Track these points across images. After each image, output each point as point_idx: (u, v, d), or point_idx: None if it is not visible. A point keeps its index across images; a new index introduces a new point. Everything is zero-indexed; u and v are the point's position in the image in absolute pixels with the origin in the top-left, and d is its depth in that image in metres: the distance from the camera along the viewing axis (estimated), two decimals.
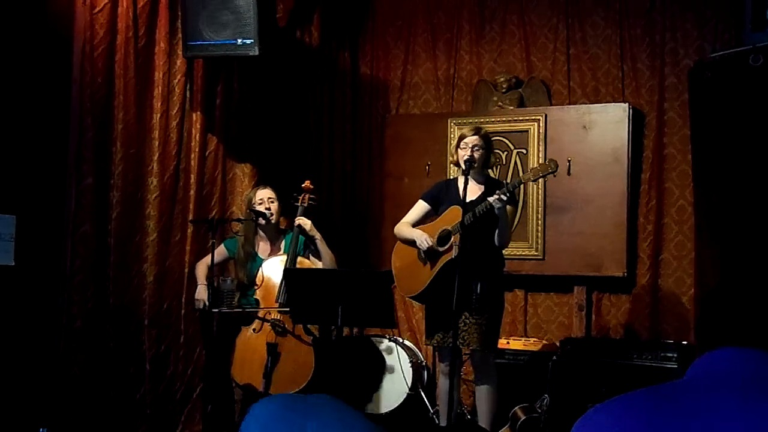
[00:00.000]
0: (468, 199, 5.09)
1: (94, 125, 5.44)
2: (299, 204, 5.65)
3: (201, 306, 5.50)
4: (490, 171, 5.57)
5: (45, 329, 5.19)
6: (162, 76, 5.87)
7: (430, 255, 5.24)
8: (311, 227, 5.58)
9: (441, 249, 5.18)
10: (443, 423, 5.44)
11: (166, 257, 5.92)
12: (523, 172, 6.43)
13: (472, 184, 5.19)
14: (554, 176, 5.22)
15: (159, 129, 5.86)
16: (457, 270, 4.80)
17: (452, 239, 5.08)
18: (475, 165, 5.17)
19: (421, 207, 5.49)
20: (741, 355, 1.31)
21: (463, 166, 5.12)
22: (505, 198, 4.92)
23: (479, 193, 5.21)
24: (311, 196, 5.69)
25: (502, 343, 6.10)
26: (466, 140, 5.24)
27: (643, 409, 1.29)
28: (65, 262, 5.33)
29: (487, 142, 5.28)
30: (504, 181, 5.44)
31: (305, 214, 5.62)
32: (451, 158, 5.51)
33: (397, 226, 5.49)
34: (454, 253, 5.01)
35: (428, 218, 5.44)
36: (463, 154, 5.18)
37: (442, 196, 5.40)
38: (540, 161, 6.42)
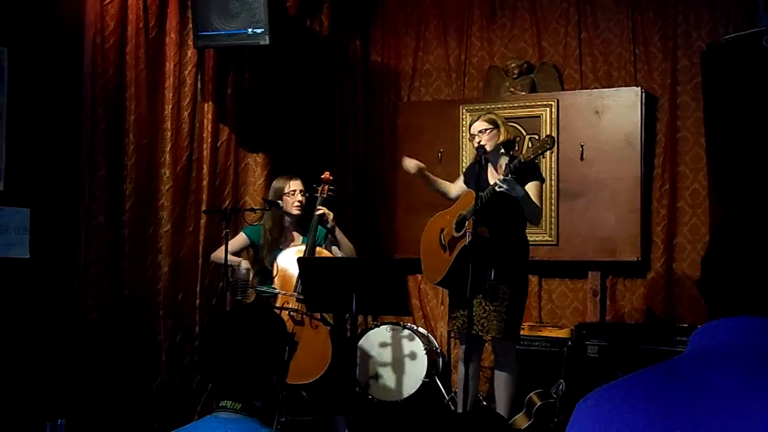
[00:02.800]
0: (491, 181, 5.09)
1: (106, 117, 5.45)
2: (318, 195, 5.64)
3: (245, 276, 5.49)
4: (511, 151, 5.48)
5: (61, 321, 5.22)
6: (173, 67, 5.88)
7: (449, 241, 5.24)
8: (333, 219, 5.56)
9: (458, 234, 5.18)
10: (460, 409, 5.45)
11: (180, 248, 5.94)
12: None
13: (492, 168, 5.22)
14: (551, 151, 5.20)
15: (171, 120, 5.87)
16: (471, 256, 4.79)
17: (466, 225, 5.06)
18: (488, 150, 5.16)
19: (459, 180, 5.55)
20: (745, 325, 1.29)
21: (477, 154, 5.13)
22: (507, 180, 4.85)
23: (495, 174, 5.18)
24: (330, 187, 5.68)
25: None
26: (471, 129, 5.26)
27: (646, 389, 1.28)
28: (80, 254, 5.35)
29: (495, 124, 5.21)
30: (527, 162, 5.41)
31: (324, 206, 5.61)
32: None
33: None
34: (467, 239, 4.99)
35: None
36: (475, 144, 5.19)
37: (470, 174, 5.39)
38: (552, 149, 6.43)
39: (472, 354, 5.19)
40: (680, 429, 1.19)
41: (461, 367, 5.32)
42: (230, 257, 5.48)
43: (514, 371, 5.25)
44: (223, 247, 5.61)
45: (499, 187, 4.87)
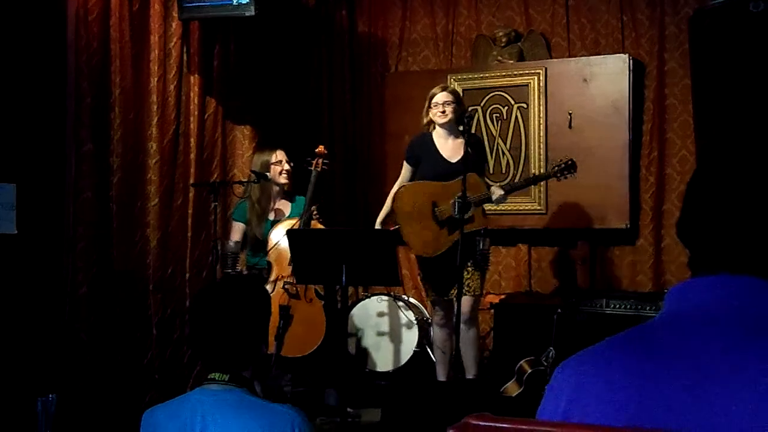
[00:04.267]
0: (453, 159, 5.35)
1: (91, 91, 5.40)
2: (313, 168, 5.63)
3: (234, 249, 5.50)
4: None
5: (50, 296, 5.20)
6: (158, 39, 5.83)
7: (449, 219, 5.27)
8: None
9: (465, 216, 5.17)
10: (442, 376, 5.51)
11: (169, 222, 5.92)
12: (524, 127, 6.49)
13: (451, 141, 5.41)
14: (574, 176, 5.51)
15: (157, 93, 5.83)
16: (476, 239, 5.12)
17: (473, 209, 5.19)
18: (447, 122, 5.38)
19: (406, 169, 5.63)
20: (724, 284, 1.25)
21: (440, 122, 5.39)
22: (504, 196, 5.34)
23: (461, 151, 5.29)
24: (325, 160, 5.67)
25: (507, 298, 6.17)
26: (435, 99, 5.39)
27: (624, 353, 1.26)
28: (68, 229, 5.33)
29: (457, 97, 5.47)
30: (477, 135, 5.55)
31: (319, 178, 5.61)
32: (424, 118, 5.52)
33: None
34: (477, 225, 5.26)
35: (414, 178, 5.59)
36: (436, 112, 5.37)
37: (420, 153, 5.51)
38: (541, 116, 6.47)
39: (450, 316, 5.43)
40: (657, 394, 1.18)
41: (439, 332, 5.59)
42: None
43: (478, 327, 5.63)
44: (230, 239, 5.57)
45: (499, 202, 5.37)
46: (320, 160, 5.65)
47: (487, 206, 5.49)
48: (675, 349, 1.21)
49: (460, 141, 5.34)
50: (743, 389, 1.12)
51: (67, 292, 5.29)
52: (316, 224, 5.55)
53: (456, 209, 5.18)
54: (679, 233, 1.36)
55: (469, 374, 5.43)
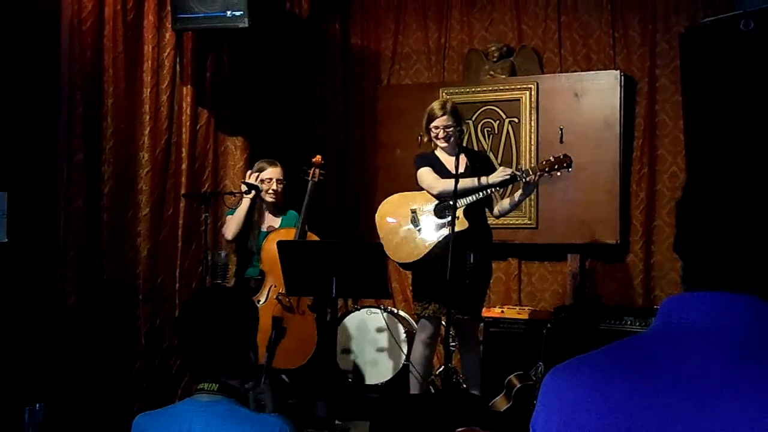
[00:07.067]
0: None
1: (83, 100, 5.40)
2: (310, 178, 5.62)
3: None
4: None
5: (40, 306, 5.19)
6: (151, 50, 5.83)
7: (428, 224, 5.26)
8: None
9: (441, 221, 5.21)
10: (414, 390, 5.47)
11: (159, 232, 5.91)
12: (515, 142, 6.52)
13: (452, 159, 5.27)
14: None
15: (149, 103, 5.83)
16: (466, 243, 5.04)
17: (454, 212, 5.13)
18: (451, 144, 5.31)
19: (429, 171, 5.38)
20: (722, 302, 1.22)
21: (441, 146, 5.32)
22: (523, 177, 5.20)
23: (464, 165, 5.24)
24: (321, 171, 5.66)
25: (497, 312, 6.17)
26: (435, 122, 5.28)
27: (621, 370, 1.24)
28: (58, 238, 5.32)
29: (457, 118, 5.31)
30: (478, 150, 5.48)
31: (316, 189, 5.60)
32: (423, 135, 5.44)
33: (434, 185, 5.34)
34: (460, 226, 5.08)
35: None
36: (437, 135, 5.28)
37: (437, 166, 5.41)
38: (532, 130, 6.49)
39: (436, 335, 5.41)
40: (659, 416, 1.16)
41: (424, 350, 5.42)
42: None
43: (480, 350, 5.57)
44: (229, 224, 5.55)
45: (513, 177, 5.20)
46: (317, 170, 5.63)
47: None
48: (676, 369, 1.19)
49: (461, 156, 5.26)
50: (747, 410, 1.12)
51: (57, 301, 5.28)
52: (312, 236, 5.54)
53: (435, 213, 5.22)
54: (676, 247, 1.34)
55: (474, 391, 5.39)
